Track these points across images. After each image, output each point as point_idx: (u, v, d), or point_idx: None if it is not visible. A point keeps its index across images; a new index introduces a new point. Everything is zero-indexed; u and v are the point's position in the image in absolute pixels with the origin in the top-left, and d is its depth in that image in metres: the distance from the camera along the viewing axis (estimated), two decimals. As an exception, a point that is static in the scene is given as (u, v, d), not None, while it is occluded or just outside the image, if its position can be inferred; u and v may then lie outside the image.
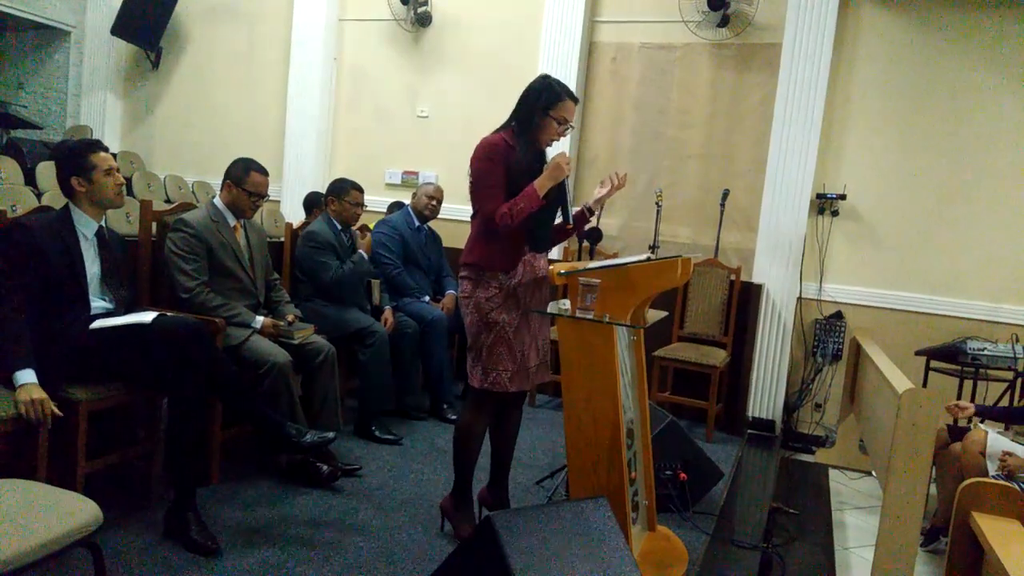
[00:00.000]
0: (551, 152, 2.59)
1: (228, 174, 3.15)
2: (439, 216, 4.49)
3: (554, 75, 2.55)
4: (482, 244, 2.48)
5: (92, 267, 2.55)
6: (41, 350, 2.34)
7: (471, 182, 2.50)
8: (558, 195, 2.48)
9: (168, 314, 2.62)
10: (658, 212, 4.62)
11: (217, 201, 3.17)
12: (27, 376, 2.24)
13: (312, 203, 4.97)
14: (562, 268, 2.44)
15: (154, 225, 3.16)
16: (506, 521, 1.89)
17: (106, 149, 2.61)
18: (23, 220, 2.49)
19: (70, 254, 2.47)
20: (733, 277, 4.66)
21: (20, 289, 2.34)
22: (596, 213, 2.65)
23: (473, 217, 2.56)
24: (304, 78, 5.66)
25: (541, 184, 2.41)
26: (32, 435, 2.25)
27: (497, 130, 2.53)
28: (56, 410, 2.24)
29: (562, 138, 2.55)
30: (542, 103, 2.45)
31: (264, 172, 3.19)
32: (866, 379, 3.82)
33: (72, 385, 2.41)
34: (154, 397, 2.73)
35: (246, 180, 3.12)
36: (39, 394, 2.21)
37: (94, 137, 5.97)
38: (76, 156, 2.51)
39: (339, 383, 3.37)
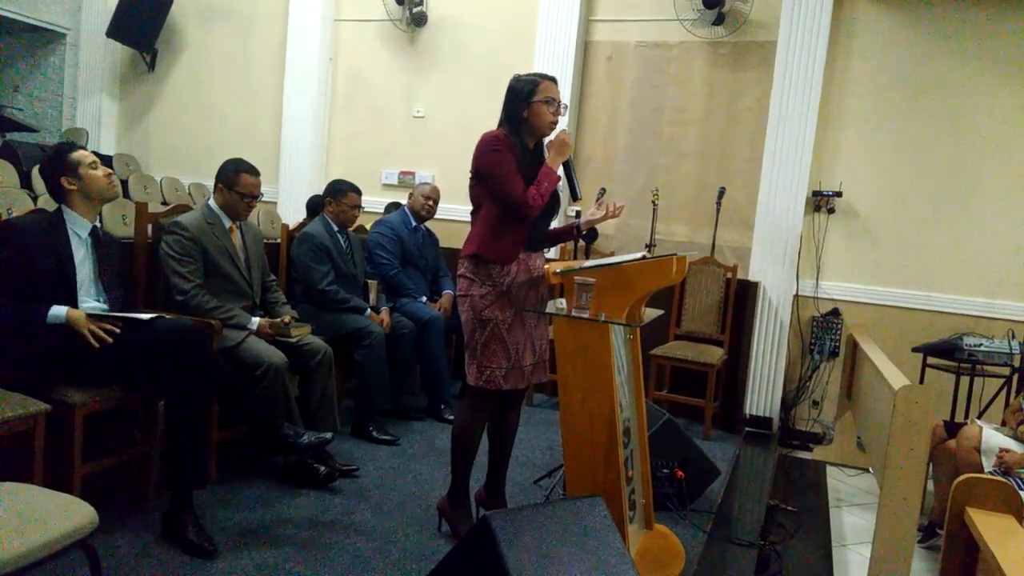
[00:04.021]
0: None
1: (219, 177, 3.15)
2: (436, 216, 4.49)
3: (550, 74, 2.56)
4: (488, 236, 2.47)
5: (83, 268, 2.55)
6: (28, 350, 2.35)
7: (482, 175, 2.48)
8: (566, 172, 2.55)
9: (166, 316, 2.62)
10: (654, 211, 4.63)
11: (212, 203, 3.17)
12: (61, 309, 2.39)
13: (316, 206, 4.96)
14: (558, 267, 2.45)
15: (150, 227, 3.16)
16: (503, 521, 1.89)
17: (84, 147, 2.64)
18: (12, 219, 2.51)
19: (58, 254, 2.47)
20: (729, 275, 4.67)
21: (6, 287, 2.36)
22: (585, 232, 2.67)
23: (473, 214, 2.57)
24: (300, 79, 5.65)
25: (553, 162, 2.48)
26: (28, 438, 2.25)
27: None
28: (112, 327, 2.43)
29: (559, 117, 2.55)
30: (523, 95, 2.48)
31: (255, 172, 3.18)
32: (863, 376, 3.83)
33: (68, 388, 2.42)
34: (151, 399, 2.72)
35: (237, 182, 3.12)
36: (87, 321, 2.40)
37: (88, 141, 5.99)
38: (57, 158, 2.54)
39: (336, 384, 3.37)
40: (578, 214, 2.61)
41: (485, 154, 2.46)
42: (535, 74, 2.53)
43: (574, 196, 2.59)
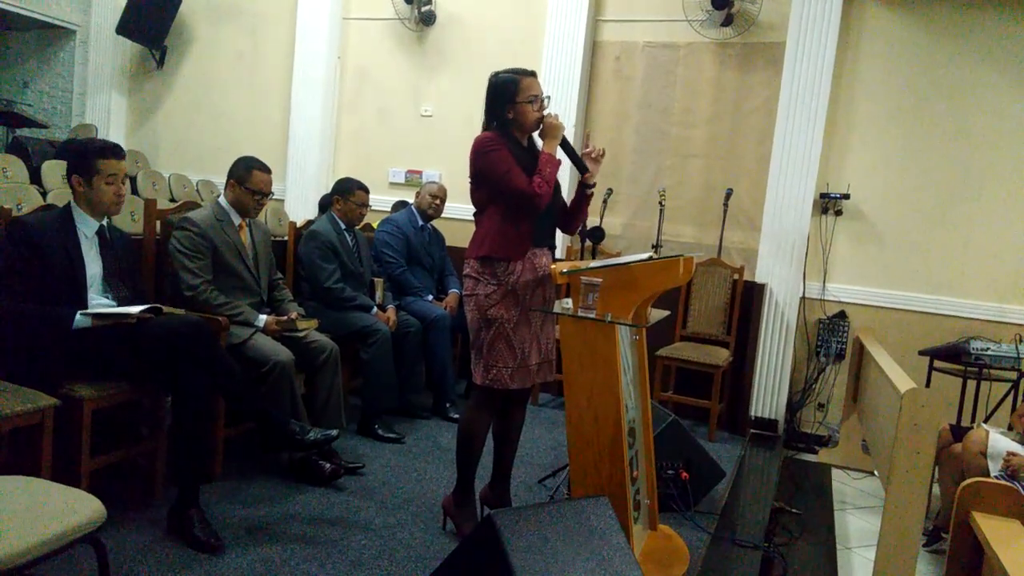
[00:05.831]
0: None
1: (231, 173, 3.16)
2: (442, 215, 4.50)
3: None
4: (496, 235, 2.47)
5: (92, 266, 2.55)
6: (39, 346, 2.36)
7: (482, 177, 2.49)
8: (566, 152, 2.56)
9: (164, 309, 2.61)
10: (661, 211, 4.63)
11: (222, 200, 3.18)
12: (86, 318, 2.42)
13: (328, 207, 4.98)
14: (564, 267, 2.45)
15: (158, 224, 3.18)
16: (507, 520, 1.90)
17: (120, 157, 2.57)
18: (22, 217, 2.50)
19: (68, 253, 2.48)
20: (736, 276, 4.66)
21: (19, 286, 2.37)
22: (591, 186, 2.66)
23: (476, 215, 2.57)
24: (308, 77, 5.66)
25: (549, 147, 2.49)
26: (37, 432, 2.26)
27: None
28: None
29: (545, 111, 2.54)
30: (507, 96, 2.49)
31: (267, 170, 3.20)
32: (869, 379, 3.82)
33: (77, 383, 2.43)
34: (158, 395, 2.74)
35: (249, 178, 3.13)
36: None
37: (99, 136, 6.01)
38: (83, 156, 2.52)
39: (342, 382, 3.38)
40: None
41: (482, 156, 2.47)
42: (513, 71, 2.52)
43: (581, 170, 2.60)
